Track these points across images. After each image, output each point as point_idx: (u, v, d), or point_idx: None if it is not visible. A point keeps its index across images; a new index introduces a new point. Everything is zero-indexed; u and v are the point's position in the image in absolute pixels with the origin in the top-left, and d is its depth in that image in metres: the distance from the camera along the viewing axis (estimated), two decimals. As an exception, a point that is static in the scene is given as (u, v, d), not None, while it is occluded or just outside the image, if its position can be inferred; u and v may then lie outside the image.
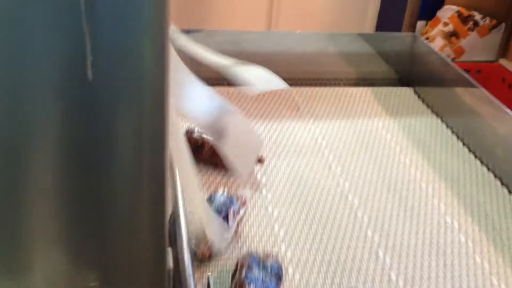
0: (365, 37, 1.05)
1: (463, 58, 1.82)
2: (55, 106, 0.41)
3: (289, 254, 0.64)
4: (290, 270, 0.62)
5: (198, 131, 0.76)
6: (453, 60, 1.82)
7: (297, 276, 0.61)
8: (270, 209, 0.70)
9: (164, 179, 0.46)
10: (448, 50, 1.79)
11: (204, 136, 0.75)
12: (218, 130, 0.63)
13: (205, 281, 0.57)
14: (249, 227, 0.67)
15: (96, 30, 0.38)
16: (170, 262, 0.52)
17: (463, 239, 0.69)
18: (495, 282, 0.63)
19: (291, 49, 1.01)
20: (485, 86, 1.67)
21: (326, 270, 0.62)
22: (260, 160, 0.77)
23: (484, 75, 1.77)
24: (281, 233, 0.67)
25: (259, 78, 0.77)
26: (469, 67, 1.80)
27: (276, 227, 0.68)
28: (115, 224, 0.47)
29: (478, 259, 0.66)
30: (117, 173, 0.44)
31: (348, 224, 0.69)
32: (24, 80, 0.39)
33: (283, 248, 0.64)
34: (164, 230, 0.48)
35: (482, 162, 0.84)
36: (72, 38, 0.39)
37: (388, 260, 0.64)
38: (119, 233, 0.47)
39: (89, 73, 0.40)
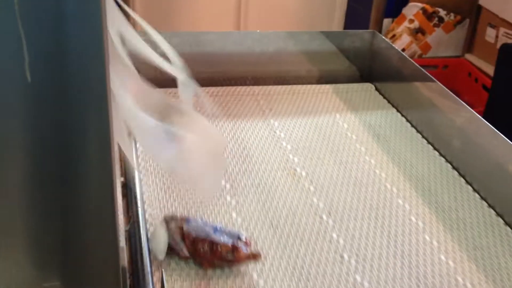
0: (325, 34, 1.06)
1: (430, 54, 1.85)
2: (14, 108, 0.42)
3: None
4: (258, 280, 0.62)
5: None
6: (420, 56, 1.84)
7: (261, 282, 0.62)
8: (231, 202, 0.71)
9: (112, 175, 0.46)
10: (414, 46, 1.82)
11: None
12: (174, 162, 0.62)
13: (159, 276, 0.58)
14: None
15: (31, 32, 0.39)
16: (124, 261, 0.52)
17: (414, 219, 0.70)
18: (460, 280, 0.63)
19: (251, 49, 1.02)
20: (452, 80, 1.71)
21: (285, 267, 0.63)
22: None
23: (451, 70, 1.80)
24: (239, 220, 0.67)
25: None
26: (436, 63, 1.83)
27: (234, 215, 0.68)
28: (74, 230, 0.47)
29: (442, 257, 0.67)
30: (66, 173, 0.45)
31: (311, 223, 0.70)
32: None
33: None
34: (116, 230, 0.48)
35: (440, 154, 0.86)
36: (10, 40, 0.39)
37: (353, 262, 0.65)
38: (77, 237, 0.48)
39: (28, 75, 0.40)
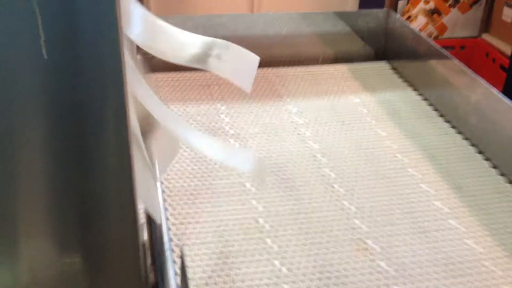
0: (339, 14, 1.06)
1: (446, 35, 1.83)
2: (18, 87, 0.43)
3: (270, 229, 0.65)
4: (277, 256, 0.63)
5: None
6: (436, 37, 1.83)
7: (278, 260, 0.62)
8: (247, 185, 0.72)
9: (130, 152, 0.47)
10: (430, 27, 1.80)
11: None
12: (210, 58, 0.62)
13: (179, 253, 0.59)
14: (227, 203, 0.68)
15: (46, 9, 0.40)
16: (144, 237, 0.53)
17: (439, 204, 0.70)
18: (471, 245, 0.64)
19: (264, 31, 1.02)
20: (469, 61, 1.69)
21: (297, 240, 0.63)
22: None
23: (468, 50, 1.78)
24: (260, 208, 0.68)
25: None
26: (453, 44, 1.81)
27: (254, 201, 0.69)
28: (92, 205, 0.48)
29: (453, 222, 0.67)
30: (84, 149, 0.46)
31: (325, 197, 0.70)
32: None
33: (261, 221, 0.66)
34: (135, 207, 0.49)
35: (457, 131, 0.86)
36: (25, 18, 0.40)
37: (365, 228, 0.65)
38: (96, 213, 0.48)
39: (44, 51, 0.41)
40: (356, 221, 0.66)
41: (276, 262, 0.60)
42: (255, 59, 0.67)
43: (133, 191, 0.49)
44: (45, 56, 0.41)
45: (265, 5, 1.85)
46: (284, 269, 0.59)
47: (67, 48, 0.42)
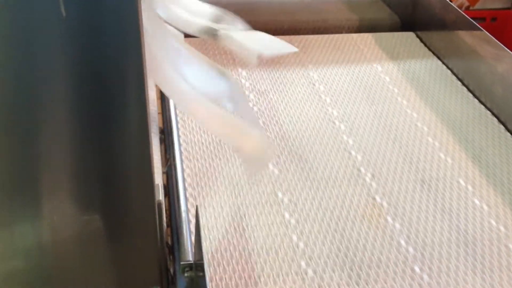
0: (366, -18, 1.04)
1: (477, 6, 1.78)
2: (37, 46, 0.43)
3: (286, 200, 0.66)
4: (290, 219, 0.64)
5: None
6: (467, 8, 1.78)
7: (292, 221, 0.63)
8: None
9: (147, 118, 0.48)
10: (462, -2, 1.76)
11: None
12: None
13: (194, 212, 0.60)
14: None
15: None
16: (160, 196, 0.54)
17: (449, 160, 0.71)
18: (493, 223, 0.63)
19: (290, -3, 1.01)
20: (501, 33, 1.64)
21: (316, 214, 0.64)
22: None
23: (499, 23, 1.73)
24: (276, 172, 0.68)
25: (264, 44, 0.75)
26: (484, 15, 1.76)
27: (272, 166, 0.69)
28: (112, 166, 0.49)
29: (476, 200, 0.66)
30: (104, 110, 0.47)
31: (341, 163, 0.70)
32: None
33: (279, 195, 0.66)
34: (151, 166, 0.50)
35: (480, 101, 0.84)
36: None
37: (385, 204, 0.65)
38: (115, 173, 0.49)
39: (62, 9, 0.41)
40: (372, 191, 0.66)
41: (286, 214, 0.61)
42: (263, 36, 0.67)
43: (149, 152, 0.50)
44: (64, 14, 0.41)
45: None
46: (292, 221, 0.60)
47: (86, 7, 0.42)
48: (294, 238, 0.59)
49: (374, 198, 0.65)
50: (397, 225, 0.62)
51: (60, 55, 0.44)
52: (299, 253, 0.58)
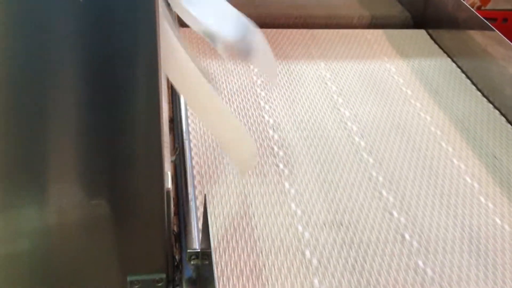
0: (379, -22, 1.04)
1: (489, 6, 1.77)
2: (53, 30, 0.44)
3: (292, 191, 0.66)
4: (296, 209, 0.64)
5: None
6: (479, 8, 1.77)
7: (299, 212, 0.63)
8: (276, 148, 0.72)
9: (159, 104, 0.48)
10: (474, -3, 1.75)
11: None
12: (244, 49, 0.63)
13: (202, 199, 0.61)
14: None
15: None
16: (168, 184, 0.54)
17: (456, 162, 0.70)
18: (498, 222, 0.63)
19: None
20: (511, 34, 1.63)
21: (328, 208, 0.64)
22: None
23: (511, 23, 1.72)
24: (286, 172, 0.69)
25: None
26: (495, 16, 1.76)
27: (281, 165, 0.70)
28: (119, 152, 0.49)
29: (482, 199, 0.67)
30: (120, 101, 0.47)
31: (353, 164, 0.71)
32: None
33: (286, 185, 0.67)
34: (161, 154, 0.50)
35: (489, 100, 0.85)
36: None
37: (391, 199, 0.65)
38: (122, 159, 0.50)
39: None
40: (384, 192, 0.67)
41: (293, 205, 0.62)
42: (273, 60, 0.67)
43: (160, 139, 0.50)
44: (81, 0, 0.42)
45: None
46: (299, 212, 0.61)
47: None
48: (300, 228, 0.60)
49: (380, 193, 0.66)
50: (402, 219, 0.62)
51: (75, 42, 0.44)
52: (304, 243, 0.58)
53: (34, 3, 0.41)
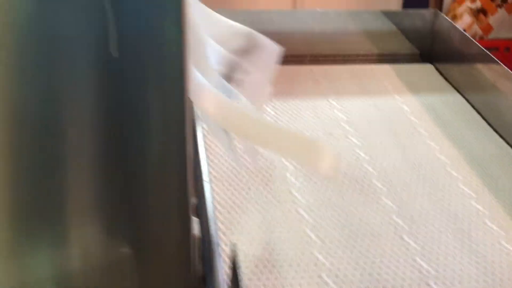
0: (386, 14, 1.06)
1: (491, 35, 1.80)
2: (87, 80, 0.44)
3: (313, 236, 0.67)
4: (316, 240, 0.64)
5: None
6: (481, 38, 1.80)
7: (327, 264, 0.64)
8: (293, 192, 0.73)
9: (186, 156, 0.48)
10: (476, 27, 1.78)
11: None
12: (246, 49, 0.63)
13: (230, 248, 0.61)
14: (271, 203, 0.70)
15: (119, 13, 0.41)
16: (196, 231, 0.54)
17: (474, 203, 0.71)
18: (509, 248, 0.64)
19: (311, 28, 1.03)
20: (513, 63, 1.65)
21: (346, 245, 0.65)
22: None
23: (513, 52, 1.75)
24: (303, 201, 0.69)
25: None
26: (497, 45, 1.78)
27: (302, 211, 0.70)
28: (143, 196, 0.49)
29: (504, 243, 0.67)
30: (145, 144, 0.47)
31: (367, 194, 0.71)
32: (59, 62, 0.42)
33: (307, 231, 0.67)
34: (188, 200, 0.50)
35: (501, 137, 0.86)
36: (99, 20, 0.42)
37: (412, 243, 0.66)
38: (147, 204, 0.49)
39: (115, 51, 0.43)
40: (397, 219, 0.67)
41: (320, 256, 0.62)
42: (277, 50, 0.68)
43: (186, 186, 0.50)
44: (115, 55, 0.43)
45: (307, 1, 1.85)
46: (315, 238, 0.61)
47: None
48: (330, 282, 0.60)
49: (390, 217, 0.66)
50: (414, 245, 0.63)
51: (93, 91, 0.44)
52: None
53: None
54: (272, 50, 0.65)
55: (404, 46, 1.07)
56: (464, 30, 1.75)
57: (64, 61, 0.43)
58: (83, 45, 0.43)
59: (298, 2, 1.87)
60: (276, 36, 1.04)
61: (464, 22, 1.76)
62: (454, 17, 1.78)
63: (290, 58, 1.03)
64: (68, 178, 0.47)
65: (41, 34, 0.41)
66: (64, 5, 0.41)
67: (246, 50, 0.68)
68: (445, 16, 1.05)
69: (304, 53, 1.04)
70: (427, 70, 1.04)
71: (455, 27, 1.02)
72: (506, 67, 0.87)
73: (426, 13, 1.06)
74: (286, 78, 0.98)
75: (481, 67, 0.93)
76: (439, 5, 1.70)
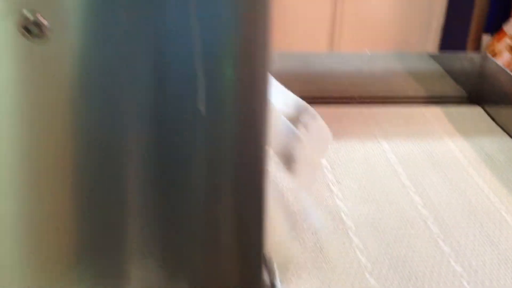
0: (433, 56, 1.07)
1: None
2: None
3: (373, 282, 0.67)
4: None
5: None
6: (519, 73, 1.79)
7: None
8: (349, 234, 0.74)
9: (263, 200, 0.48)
10: (514, 64, 1.77)
11: None
12: (287, 156, 0.66)
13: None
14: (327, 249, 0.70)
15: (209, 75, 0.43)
16: (265, 279, 0.54)
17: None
18: None
19: (359, 69, 1.04)
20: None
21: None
22: None
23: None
24: (360, 244, 0.70)
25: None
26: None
27: (358, 254, 0.71)
28: (214, 235, 0.49)
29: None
30: (217, 182, 0.48)
31: (426, 248, 0.71)
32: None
33: (362, 258, 0.67)
34: (261, 247, 0.50)
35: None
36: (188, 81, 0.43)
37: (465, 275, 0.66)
38: (216, 246, 0.49)
39: (203, 108, 0.44)
40: (454, 265, 0.67)
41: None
42: (330, 135, 0.70)
43: (261, 235, 0.50)
44: (203, 113, 0.44)
45: (344, 43, 1.87)
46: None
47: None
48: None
49: (449, 262, 0.66)
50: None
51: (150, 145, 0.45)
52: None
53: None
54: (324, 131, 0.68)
55: (452, 88, 1.07)
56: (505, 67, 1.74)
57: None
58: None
59: (335, 44, 1.89)
60: (324, 77, 1.06)
61: (503, 59, 1.75)
62: (494, 54, 1.77)
63: (338, 99, 1.05)
64: (130, 219, 0.47)
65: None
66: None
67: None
68: (493, 59, 1.06)
69: (353, 94, 1.05)
70: (475, 112, 1.04)
71: (504, 70, 1.02)
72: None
73: (474, 56, 1.07)
74: (335, 119, 0.98)
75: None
76: (478, 42, 1.70)
